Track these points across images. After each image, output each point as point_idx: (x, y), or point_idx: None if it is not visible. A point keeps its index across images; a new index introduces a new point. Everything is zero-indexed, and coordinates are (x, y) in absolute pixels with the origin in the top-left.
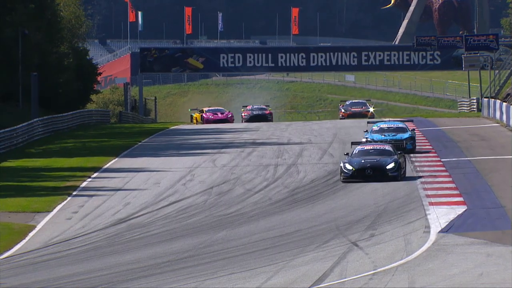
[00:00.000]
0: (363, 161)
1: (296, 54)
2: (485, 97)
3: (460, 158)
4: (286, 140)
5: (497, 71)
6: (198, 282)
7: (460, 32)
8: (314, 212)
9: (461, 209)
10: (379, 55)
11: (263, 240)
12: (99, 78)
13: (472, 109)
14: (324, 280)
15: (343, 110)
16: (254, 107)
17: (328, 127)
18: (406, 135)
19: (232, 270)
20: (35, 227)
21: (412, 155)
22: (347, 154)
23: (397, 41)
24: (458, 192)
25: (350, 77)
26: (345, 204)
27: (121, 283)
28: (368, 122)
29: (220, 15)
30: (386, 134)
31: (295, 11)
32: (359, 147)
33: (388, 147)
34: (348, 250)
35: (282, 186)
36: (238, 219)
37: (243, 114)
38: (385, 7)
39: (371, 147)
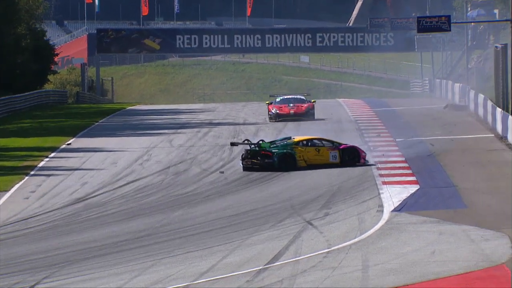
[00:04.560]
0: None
1: (251, 36)
2: (437, 78)
3: (413, 138)
4: (242, 120)
5: (449, 52)
6: (155, 260)
7: (413, 14)
8: (269, 191)
9: (413, 188)
10: (334, 37)
11: (219, 219)
12: (56, 59)
13: (425, 89)
14: (279, 259)
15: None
16: (286, 97)
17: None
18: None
19: (189, 249)
20: None
21: (365, 135)
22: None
23: (351, 22)
24: (411, 172)
25: (305, 58)
26: (299, 183)
27: (78, 262)
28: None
29: None
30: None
31: None
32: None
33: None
34: (303, 229)
35: (237, 166)
36: (195, 198)
37: (269, 109)
38: None
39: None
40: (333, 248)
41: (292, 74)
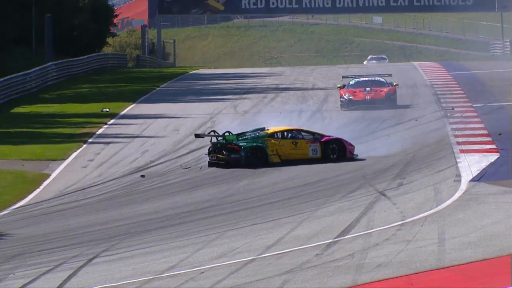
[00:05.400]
0: None
1: None
2: None
3: (493, 104)
4: (311, 85)
5: None
6: (219, 233)
7: None
8: (339, 160)
9: (493, 156)
10: None
11: (286, 190)
12: (115, 20)
13: (506, 52)
14: (349, 231)
15: (345, 96)
16: (361, 80)
17: (355, 71)
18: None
19: (255, 221)
20: (50, 175)
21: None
22: None
23: None
24: (491, 139)
25: (378, 19)
26: (372, 151)
27: (139, 234)
28: (343, 77)
29: None
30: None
31: None
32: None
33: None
34: (375, 200)
35: None
36: (261, 167)
37: (341, 94)
38: None
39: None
40: (407, 220)
41: (364, 35)
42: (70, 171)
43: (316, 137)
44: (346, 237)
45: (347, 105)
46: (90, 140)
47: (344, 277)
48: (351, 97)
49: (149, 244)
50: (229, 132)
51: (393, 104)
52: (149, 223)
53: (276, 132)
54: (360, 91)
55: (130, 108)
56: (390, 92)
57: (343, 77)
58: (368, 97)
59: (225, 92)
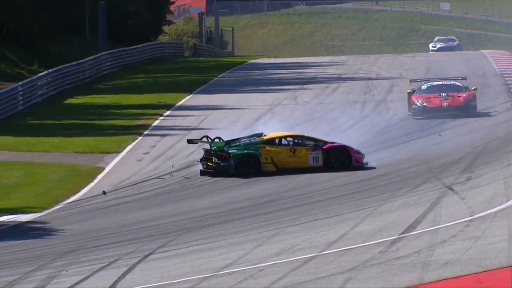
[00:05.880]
0: None
1: None
2: None
3: None
4: (375, 74)
5: None
6: (279, 229)
7: None
8: (405, 153)
9: None
10: None
11: (349, 184)
12: (171, 8)
13: None
14: (415, 228)
15: (418, 103)
16: (435, 84)
17: (421, 60)
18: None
19: (316, 216)
20: (104, 169)
21: None
22: None
23: None
24: None
25: (445, 6)
26: (439, 144)
27: (196, 230)
28: (411, 81)
29: None
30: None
31: None
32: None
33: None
34: (442, 195)
35: (370, 125)
36: None
37: (413, 100)
38: None
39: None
40: (476, 216)
41: (431, 23)
42: (124, 164)
43: (317, 144)
44: (411, 233)
45: (421, 113)
46: (145, 132)
47: (410, 275)
48: (425, 104)
49: (207, 240)
50: (219, 138)
51: (473, 111)
52: (207, 219)
53: (273, 139)
54: (435, 97)
55: (187, 99)
56: (469, 98)
57: (411, 81)
58: (444, 103)
59: (285, 82)
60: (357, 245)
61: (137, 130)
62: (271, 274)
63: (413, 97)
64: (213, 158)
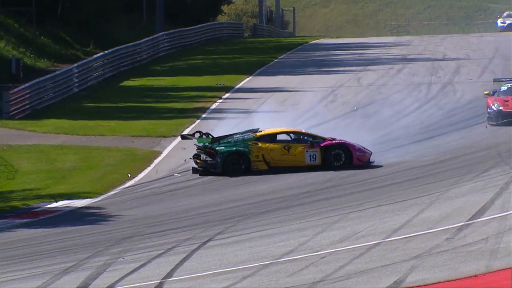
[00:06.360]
0: None
1: None
2: None
3: None
4: (441, 55)
5: None
6: (341, 215)
7: None
8: (473, 137)
9: None
10: None
11: (414, 169)
12: None
13: None
14: (483, 214)
15: (494, 106)
16: None
17: (489, 40)
18: None
19: (379, 202)
20: (161, 153)
21: None
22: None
23: None
24: None
25: None
26: (509, 127)
27: (255, 216)
28: (495, 80)
29: None
30: None
31: None
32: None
33: None
34: (511, 180)
35: (436, 108)
36: (386, 144)
37: (488, 103)
38: None
39: None
40: None
41: (500, 1)
42: (182, 148)
43: (316, 141)
44: (479, 220)
45: (496, 118)
46: (203, 115)
47: (477, 263)
48: (501, 108)
49: (266, 227)
50: (207, 134)
51: None
52: (266, 204)
53: (266, 135)
54: None
55: (246, 81)
56: None
57: (494, 80)
58: None
59: (347, 63)
60: (423, 232)
61: (195, 113)
62: (333, 262)
63: (489, 100)
64: (202, 155)
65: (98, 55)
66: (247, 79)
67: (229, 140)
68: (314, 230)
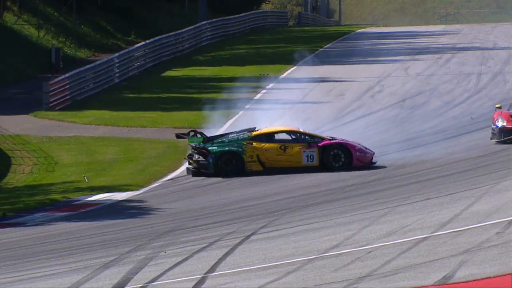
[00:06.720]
0: None
1: None
2: None
3: None
4: (492, 44)
5: None
6: (388, 208)
7: None
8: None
9: None
10: None
11: (464, 161)
12: None
13: None
14: None
15: (498, 123)
16: None
17: None
18: None
19: (428, 195)
20: None
21: None
22: None
23: None
24: None
25: None
26: None
27: (300, 209)
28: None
29: None
30: None
31: None
32: None
33: None
34: None
35: (486, 98)
36: (435, 136)
37: (493, 119)
38: None
39: None
40: None
41: None
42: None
43: (313, 141)
44: None
45: (498, 135)
46: (247, 106)
47: None
48: (504, 124)
49: (311, 221)
50: (200, 133)
51: None
52: (311, 198)
53: (262, 134)
54: None
55: (291, 71)
56: None
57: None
58: None
59: (395, 52)
60: (472, 226)
61: (238, 104)
62: (380, 256)
63: (495, 115)
64: (195, 155)
65: (139, 44)
66: (292, 69)
67: (223, 139)
68: (361, 224)
